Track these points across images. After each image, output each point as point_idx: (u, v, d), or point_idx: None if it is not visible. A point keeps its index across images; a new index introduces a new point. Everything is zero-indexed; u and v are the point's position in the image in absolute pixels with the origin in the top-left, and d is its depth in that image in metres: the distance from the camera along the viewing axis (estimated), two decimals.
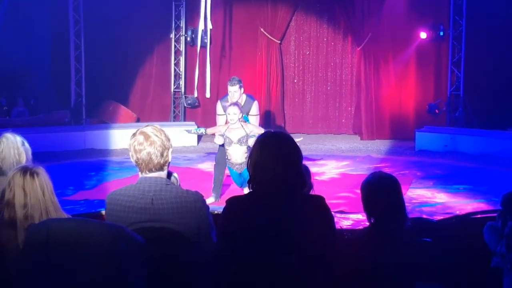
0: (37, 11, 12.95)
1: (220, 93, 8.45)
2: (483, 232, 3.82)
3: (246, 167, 6.91)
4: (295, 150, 2.81)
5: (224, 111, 7.37)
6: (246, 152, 6.90)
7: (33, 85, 13.71)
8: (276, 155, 2.75)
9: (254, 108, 7.59)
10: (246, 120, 7.46)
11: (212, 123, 8.01)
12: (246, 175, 7.04)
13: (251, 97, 7.74)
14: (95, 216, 4.08)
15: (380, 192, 3.12)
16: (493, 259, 3.61)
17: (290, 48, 14.00)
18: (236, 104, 7.13)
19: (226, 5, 13.72)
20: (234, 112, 6.96)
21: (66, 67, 13.05)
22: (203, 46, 13.74)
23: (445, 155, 11.26)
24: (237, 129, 7.02)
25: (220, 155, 7.49)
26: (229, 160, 7.14)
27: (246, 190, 7.16)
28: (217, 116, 7.68)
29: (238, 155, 7.02)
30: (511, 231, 3.52)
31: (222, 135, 7.10)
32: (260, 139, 2.84)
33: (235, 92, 7.40)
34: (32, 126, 12.22)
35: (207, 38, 13.70)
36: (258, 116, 7.67)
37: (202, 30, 12.44)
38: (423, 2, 13.01)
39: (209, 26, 12.22)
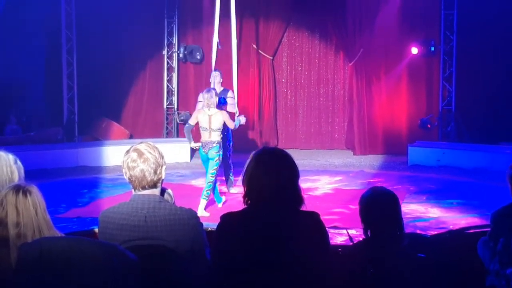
0: (31, 28, 12.94)
1: None
2: (476, 247, 3.81)
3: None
4: (292, 166, 2.79)
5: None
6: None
7: (26, 102, 13.68)
8: (272, 170, 2.74)
9: (231, 94, 9.03)
10: (223, 102, 8.67)
11: None
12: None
13: (226, 89, 9.10)
14: (88, 234, 4.05)
15: (377, 206, 3.13)
16: (488, 278, 3.58)
17: (282, 64, 14.05)
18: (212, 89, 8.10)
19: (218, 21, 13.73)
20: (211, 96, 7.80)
21: (59, 84, 13.04)
22: (196, 62, 13.79)
23: (438, 170, 11.29)
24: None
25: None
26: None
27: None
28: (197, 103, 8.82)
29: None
30: (503, 248, 3.49)
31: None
32: (257, 154, 2.83)
33: (216, 76, 8.90)
34: (25, 143, 12.17)
35: (200, 55, 13.75)
36: (235, 100, 9.09)
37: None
38: (414, 18, 13.10)
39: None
